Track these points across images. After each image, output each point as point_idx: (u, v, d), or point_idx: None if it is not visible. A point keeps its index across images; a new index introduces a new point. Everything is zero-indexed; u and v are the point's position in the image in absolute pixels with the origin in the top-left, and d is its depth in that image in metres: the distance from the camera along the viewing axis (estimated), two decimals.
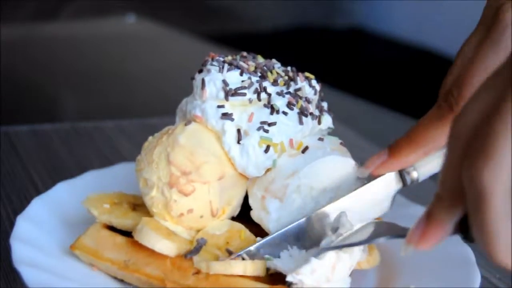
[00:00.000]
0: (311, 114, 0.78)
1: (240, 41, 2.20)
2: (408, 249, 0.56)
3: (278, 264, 0.70)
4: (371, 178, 0.76)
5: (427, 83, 2.76)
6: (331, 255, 0.68)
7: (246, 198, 0.77)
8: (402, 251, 0.57)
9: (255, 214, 0.76)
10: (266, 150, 0.74)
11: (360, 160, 0.78)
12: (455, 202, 0.50)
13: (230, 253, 0.72)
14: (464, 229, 0.52)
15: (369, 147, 1.33)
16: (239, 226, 0.75)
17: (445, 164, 0.51)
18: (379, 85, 2.74)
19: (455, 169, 0.49)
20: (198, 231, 0.75)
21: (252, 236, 0.74)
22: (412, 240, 0.55)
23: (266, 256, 0.71)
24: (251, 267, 0.70)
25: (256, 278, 0.70)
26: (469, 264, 0.77)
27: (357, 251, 0.71)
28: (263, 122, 0.75)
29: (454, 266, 0.77)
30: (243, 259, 0.71)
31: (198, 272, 0.70)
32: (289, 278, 0.67)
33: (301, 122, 0.76)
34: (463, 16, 2.81)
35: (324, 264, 0.68)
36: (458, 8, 2.78)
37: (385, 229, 0.68)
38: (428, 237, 0.54)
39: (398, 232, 0.66)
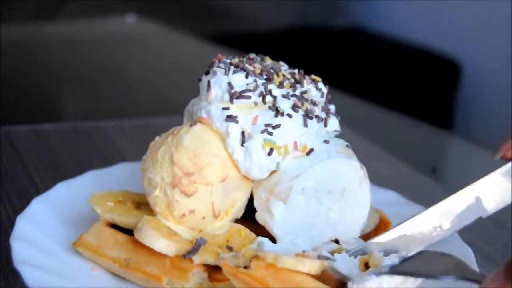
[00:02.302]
0: (316, 116, 0.77)
1: (240, 41, 2.19)
2: None
3: (339, 267, 0.69)
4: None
5: (427, 83, 2.76)
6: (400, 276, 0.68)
7: (252, 199, 0.77)
8: None
9: (259, 216, 0.76)
10: (270, 153, 0.74)
11: (361, 161, 0.78)
12: None
13: (230, 249, 0.72)
14: None
15: (368, 147, 1.33)
16: (238, 226, 0.75)
17: None
18: (378, 85, 2.74)
19: None
20: (200, 231, 0.75)
21: (252, 234, 0.74)
22: None
23: (331, 256, 0.71)
24: (317, 266, 0.69)
25: (311, 276, 0.69)
26: (469, 264, 0.77)
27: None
28: (267, 125, 0.75)
29: None
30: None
31: (257, 257, 0.69)
32: (350, 285, 0.67)
33: (305, 125, 0.76)
34: (463, 16, 2.81)
35: (392, 282, 0.68)
36: (458, 8, 2.79)
37: (454, 266, 0.67)
38: None
39: (469, 275, 0.65)
